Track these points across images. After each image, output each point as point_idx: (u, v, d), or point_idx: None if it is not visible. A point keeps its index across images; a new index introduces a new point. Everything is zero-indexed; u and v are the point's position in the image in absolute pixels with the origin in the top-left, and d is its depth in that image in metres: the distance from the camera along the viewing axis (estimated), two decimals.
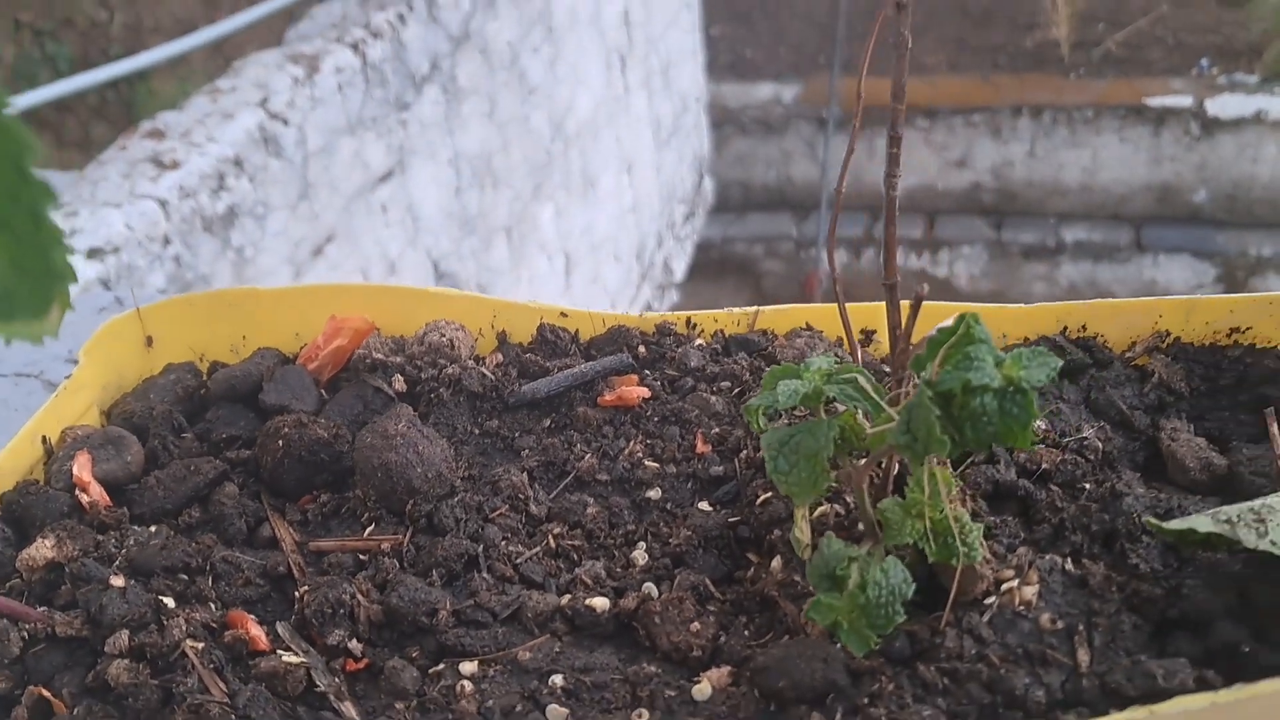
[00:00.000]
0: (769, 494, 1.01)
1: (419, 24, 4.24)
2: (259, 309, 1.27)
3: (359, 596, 0.95)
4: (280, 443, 1.09)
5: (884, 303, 0.91)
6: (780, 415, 1.05)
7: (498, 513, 1.05)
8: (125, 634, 0.90)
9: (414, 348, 1.22)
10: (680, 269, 8.05)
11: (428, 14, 4.31)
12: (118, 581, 0.94)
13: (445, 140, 4.50)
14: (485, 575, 0.99)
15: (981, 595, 0.87)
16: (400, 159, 4.18)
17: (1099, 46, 8.60)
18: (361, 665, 0.92)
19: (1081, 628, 0.84)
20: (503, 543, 1.02)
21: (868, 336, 1.22)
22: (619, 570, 1.00)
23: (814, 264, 8.45)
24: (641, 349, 1.22)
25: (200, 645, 0.89)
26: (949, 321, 0.77)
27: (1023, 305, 1.18)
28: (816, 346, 1.20)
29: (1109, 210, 8.29)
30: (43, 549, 0.97)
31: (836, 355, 1.15)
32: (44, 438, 1.13)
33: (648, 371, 1.20)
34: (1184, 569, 0.89)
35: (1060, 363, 0.76)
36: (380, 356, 1.21)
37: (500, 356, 1.22)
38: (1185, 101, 7.86)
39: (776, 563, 0.95)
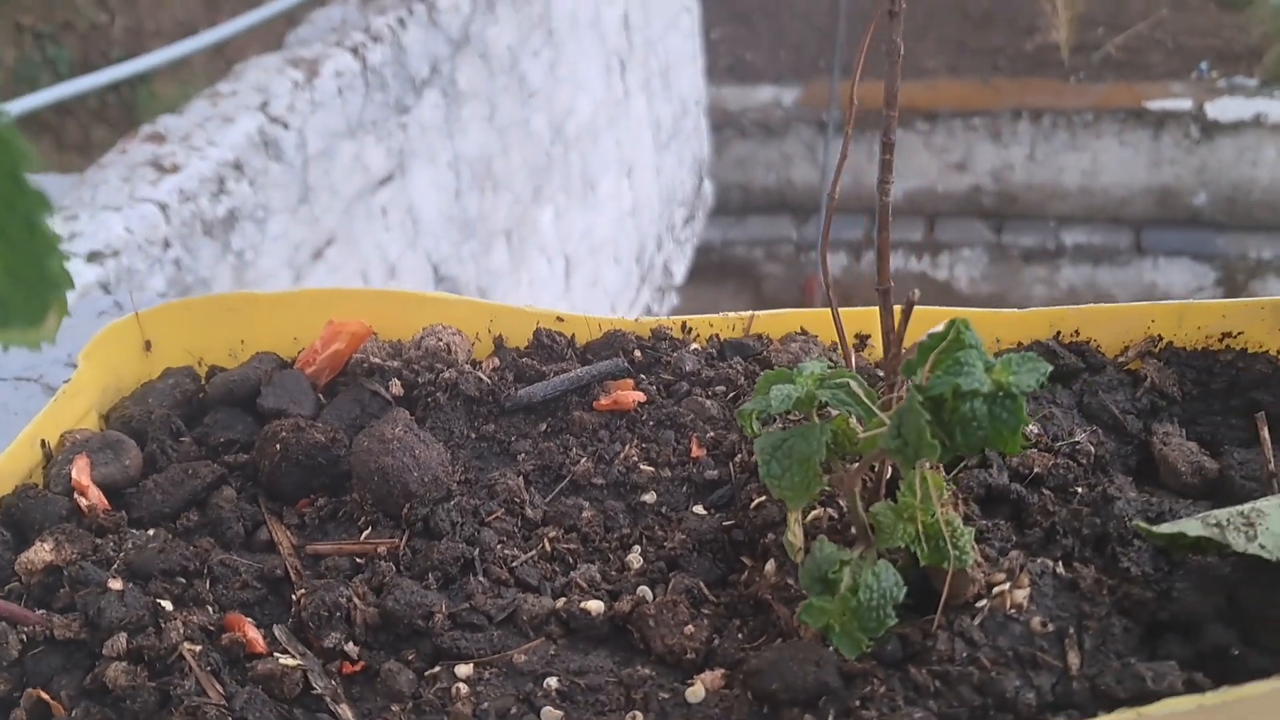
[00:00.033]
0: (763, 498, 1.02)
1: (419, 28, 4.25)
2: (257, 314, 1.28)
3: (355, 600, 0.96)
4: (278, 447, 1.09)
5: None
6: (774, 420, 1.05)
7: (494, 516, 1.06)
8: (123, 636, 0.90)
9: (411, 352, 1.23)
10: (680, 272, 8.06)
11: (428, 18, 4.31)
12: (116, 584, 0.94)
13: (445, 144, 4.50)
14: (481, 578, 0.99)
15: (973, 598, 0.87)
16: (400, 162, 4.19)
17: (1099, 50, 8.62)
18: (358, 668, 0.93)
19: (1072, 630, 0.84)
20: (498, 546, 1.02)
21: (862, 341, 1.22)
22: (614, 573, 1.01)
23: (814, 267, 8.45)
24: (637, 353, 1.23)
25: (198, 648, 0.90)
26: (940, 327, 0.77)
27: (1016, 310, 1.18)
28: (811, 351, 1.20)
29: (1109, 213, 8.29)
30: (41, 552, 0.98)
31: (830, 360, 1.16)
32: (43, 441, 1.13)
33: (643, 376, 1.21)
34: (1174, 572, 0.90)
35: (1049, 368, 0.76)
36: (377, 361, 1.21)
37: (497, 361, 1.23)
38: (1185, 105, 7.87)
39: (770, 566, 0.96)
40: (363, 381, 1.21)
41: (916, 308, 0.96)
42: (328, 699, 0.89)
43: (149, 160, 3.16)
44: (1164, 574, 0.90)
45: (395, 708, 0.88)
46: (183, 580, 0.98)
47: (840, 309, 1.06)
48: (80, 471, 1.08)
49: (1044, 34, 8.77)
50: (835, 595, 0.81)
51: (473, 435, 1.16)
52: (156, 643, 0.90)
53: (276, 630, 0.95)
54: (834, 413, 0.86)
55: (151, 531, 1.04)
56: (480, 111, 4.77)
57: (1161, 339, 1.17)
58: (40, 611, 0.94)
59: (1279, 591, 0.83)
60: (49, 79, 5.09)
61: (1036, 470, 1.01)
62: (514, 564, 1.01)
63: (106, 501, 1.07)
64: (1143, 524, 0.92)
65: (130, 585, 0.95)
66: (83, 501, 1.06)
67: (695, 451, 1.12)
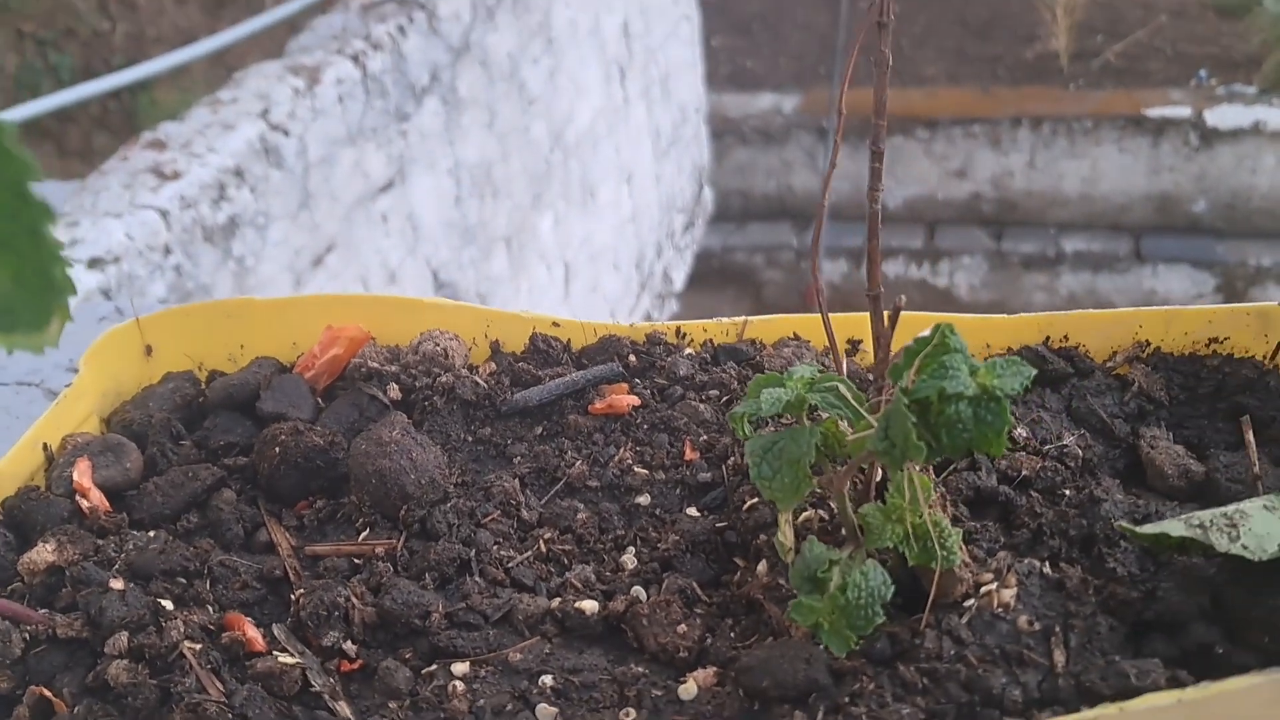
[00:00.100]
0: (755, 500, 1.03)
1: (419, 36, 4.26)
2: (256, 319, 1.29)
3: (354, 599, 0.97)
4: (277, 450, 1.11)
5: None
6: (766, 423, 1.07)
7: (490, 518, 1.07)
8: (124, 635, 0.92)
9: (409, 357, 1.24)
10: (680, 278, 8.07)
11: (428, 26, 4.33)
12: (117, 584, 0.96)
13: (445, 150, 4.52)
14: (477, 579, 1.00)
15: (961, 598, 0.89)
16: (400, 169, 4.20)
17: (1098, 58, 8.64)
18: (356, 666, 0.94)
19: (1058, 629, 0.85)
20: (494, 547, 1.04)
21: (854, 346, 1.24)
22: (608, 574, 1.02)
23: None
24: (632, 358, 1.24)
25: (198, 646, 0.91)
26: (927, 331, 0.79)
27: (1006, 315, 1.20)
28: (804, 356, 1.22)
29: (1108, 220, 8.30)
30: (44, 553, 0.99)
31: (822, 365, 1.17)
32: (45, 445, 1.15)
33: (638, 380, 1.22)
34: (1160, 573, 0.91)
35: (1033, 371, 0.78)
36: (375, 365, 1.23)
37: (493, 365, 1.24)
38: (1184, 112, 7.88)
39: (762, 567, 0.97)
40: (361, 386, 1.22)
41: (910, 313, 0.98)
42: (326, 696, 0.90)
43: (150, 167, 3.17)
44: (1149, 574, 0.91)
45: (393, 705, 0.89)
46: (183, 580, 1.00)
47: (832, 314, 1.08)
48: (82, 474, 1.09)
49: (1043, 42, 8.78)
50: (824, 594, 0.83)
51: (469, 438, 1.18)
52: (157, 641, 0.91)
53: (276, 629, 0.96)
54: (824, 416, 0.88)
55: (152, 533, 1.06)
56: (480, 119, 4.79)
57: (1149, 344, 1.18)
58: (42, 611, 0.95)
59: (1262, 591, 0.84)
60: (51, 86, 5.10)
61: (1025, 473, 1.02)
62: (510, 565, 1.02)
63: (108, 503, 1.09)
64: (1127, 525, 0.93)
65: (131, 585, 0.96)
66: (84, 503, 1.07)
67: (689, 454, 1.13)
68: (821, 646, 0.84)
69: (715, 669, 0.90)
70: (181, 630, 0.92)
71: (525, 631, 0.96)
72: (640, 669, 0.91)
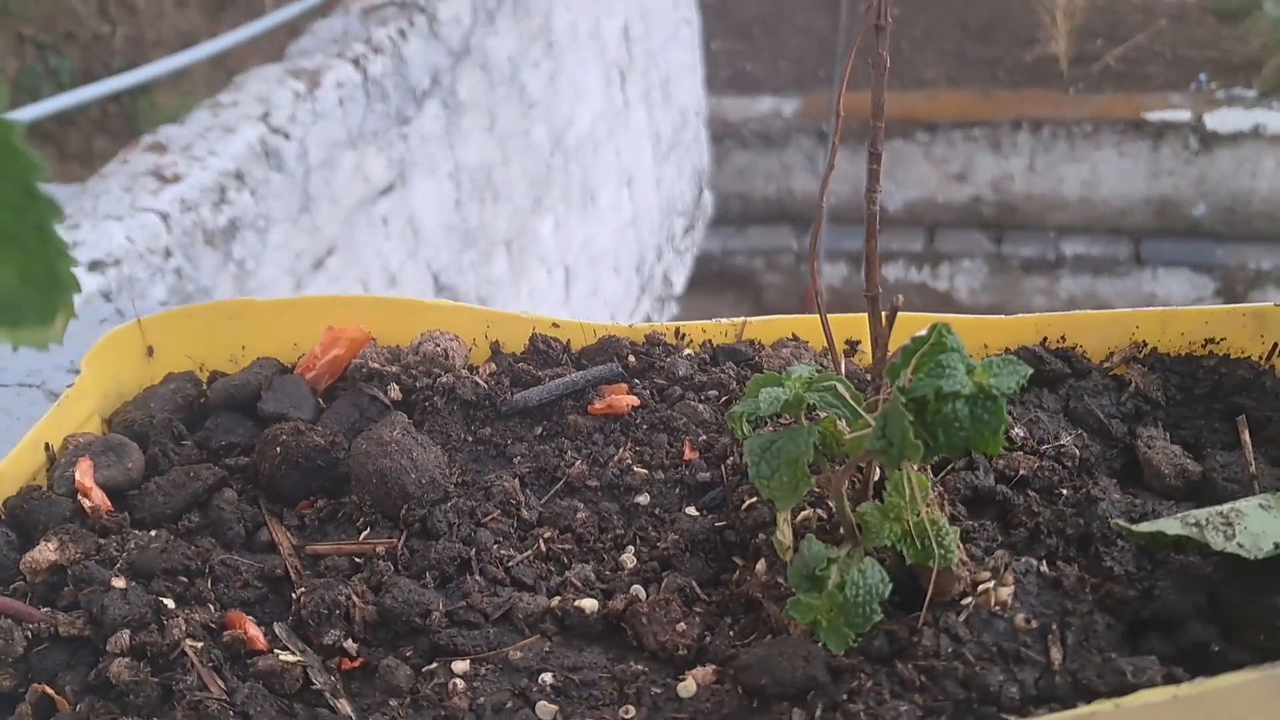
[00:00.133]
0: (754, 499, 1.04)
1: (420, 39, 4.27)
2: (257, 320, 1.30)
3: (354, 598, 0.97)
4: (278, 450, 1.11)
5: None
6: (765, 422, 1.07)
7: (490, 517, 1.07)
8: (126, 633, 0.92)
9: (409, 357, 1.24)
10: (680, 282, 8.07)
11: (428, 30, 4.34)
12: (119, 583, 0.96)
13: (445, 154, 4.52)
14: (477, 578, 1.01)
15: (958, 596, 0.89)
16: (401, 172, 4.21)
17: (1098, 61, 8.64)
18: (356, 664, 0.95)
19: (1055, 627, 0.86)
20: (495, 546, 1.04)
21: (853, 347, 1.24)
22: (608, 573, 1.02)
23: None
24: (631, 358, 1.24)
25: (199, 644, 0.92)
26: (924, 331, 0.79)
27: (1003, 316, 1.20)
28: (802, 356, 1.22)
29: (1108, 224, 8.31)
30: (46, 552, 1.00)
31: (820, 365, 1.18)
32: (47, 445, 1.15)
33: (637, 380, 1.22)
34: (1156, 572, 0.91)
35: (1029, 370, 0.78)
36: (376, 366, 1.23)
37: (493, 366, 1.25)
38: (1184, 116, 7.89)
39: (761, 565, 0.98)
40: (361, 386, 1.23)
41: (909, 315, 0.98)
42: (327, 694, 0.90)
43: (150, 170, 3.18)
44: (1146, 573, 0.92)
45: (393, 702, 0.90)
46: (184, 579, 1.00)
47: (831, 315, 1.08)
48: (84, 474, 1.09)
49: (1043, 45, 8.79)
50: (823, 592, 0.83)
51: (469, 438, 1.18)
52: (159, 639, 0.91)
53: (277, 628, 0.97)
54: (822, 415, 0.88)
55: (154, 532, 1.06)
56: (480, 122, 4.79)
57: (1146, 345, 1.19)
58: (45, 609, 0.95)
59: (1257, 589, 0.85)
60: (51, 89, 5.11)
61: (1022, 472, 1.03)
62: (510, 563, 1.03)
63: (109, 503, 1.09)
64: (1123, 523, 0.93)
65: (133, 584, 0.97)
66: (86, 503, 1.07)
67: (688, 454, 1.14)
68: (820, 644, 0.84)
69: (714, 667, 0.90)
70: (183, 628, 0.92)
71: (525, 630, 0.97)
72: (640, 667, 0.91)
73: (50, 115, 4.05)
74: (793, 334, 1.27)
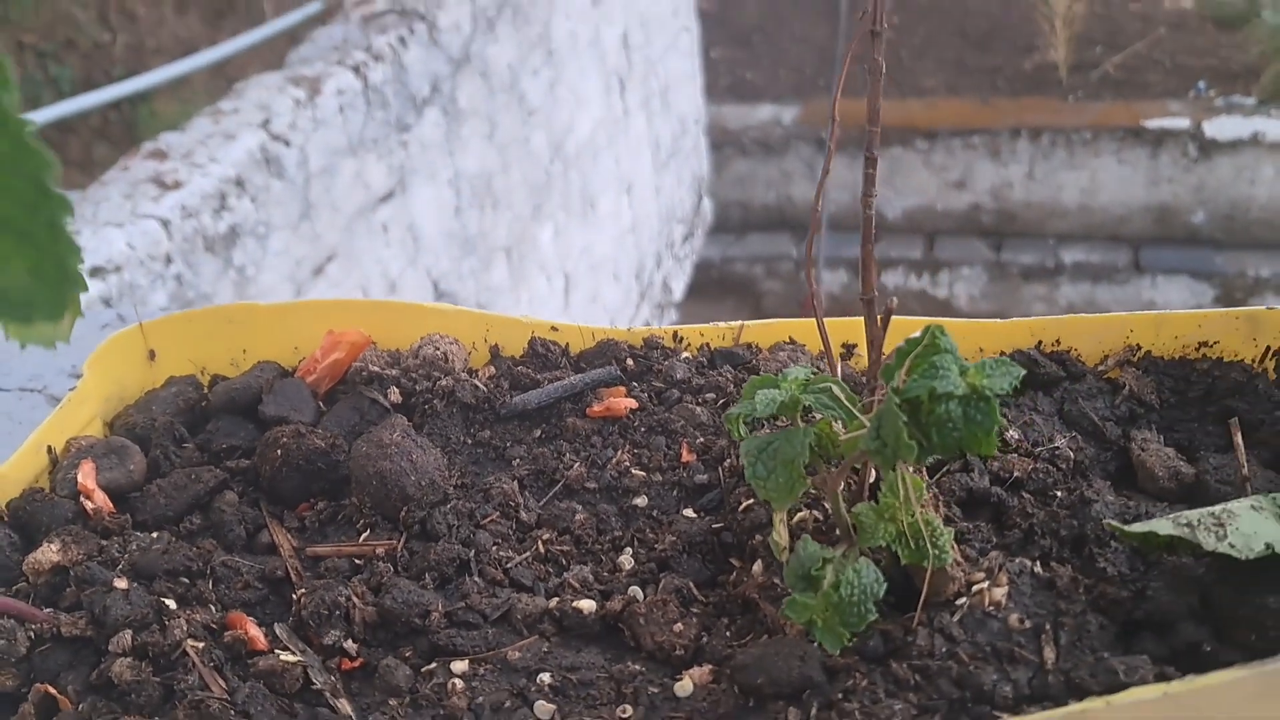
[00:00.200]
0: (751, 501, 1.04)
1: (420, 47, 4.28)
2: (258, 324, 1.30)
3: (354, 599, 0.98)
4: (279, 452, 1.12)
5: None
6: (762, 424, 1.08)
7: (489, 519, 1.08)
8: (128, 634, 0.93)
9: (409, 361, 1.25)
10: (679, 288, 8.08)
11: (428, 37, 4.35)
12: (121, 584, 0.97)
13: (445, 161, 4.53)
14: (476, 579, 1.02)
15: (953, 596, 0.90)
16: (401, 180, 4.22)
17: (1097, 69, 8.66)
18: (356, 664, 0.95)
19: (1048, 627, 0.87)
20: (493, 548, 1.05)
21: (849, 350, 1.25)
22: (606, 574, 1.03)
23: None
24: (629, 362, 1.25)
25: (201, 645, 0.93)
26: (918, 333, 0.80)
27: (998, 320, 1.21)
28: (799, 359, 1.23)
29: (1107, 231, 8.32)
30: (48, 553, 1.00)
31: (817, 367, 1.18)
32: (49, 448, 1.16)
33: (635, 384, 1.23)
34: (1149, 572, 0.92)
35: (1022, 371, 0.79)
36: (376, 369, 1.24)
37: (493, 369, 1.26)
38: (1183, 123, 7.90)
39: (758, 567, 0.99)
40: (362, 389, 1.23)
41: (906, 318, 0.99)
42: (327, 694, 0.91)
43: (151, 177, 3.18)
44: (1139, 574, 0.92)
45: (393, 702, 0.91)
46: (186, 580, 1.01)
47: (827, 319, 1.09)
48: (86, 476, 1.10)
49: (1042, 53, 8.81)
50: (818, 592, 0.84)
51: (469, 441, 1.19)
52: (161, 639, 0.92)
53: (277, 628, 0.97)
54: (818, 417, 0.89)
55: (155, 534, 1.07)
56: (480, 129, 4.80)
57: (1140, 348, 1.20)
58: (47, 610, 0.96)
59: (1249, 589, 0.85)
60: (51, 97, 5.11)
61: (1017, 474, 1.03)
62: (508, 565, 1.03)
63: (111, 505, 1.10)
64: (1115, 523, 0.94)
65: (135, 585, 0.98)
66: (88, 505, 1.08)
67: (686, 457, 1.14)
68: (815, 644, 0.85)
69: (711, 667, 0.91)
70: (184, 629, 0.93)
71: (524, 630, 0.97)
72: (637, 667, 0.92)
73: (51, 123, 4.05)
74: (789, 337, 1.28)
